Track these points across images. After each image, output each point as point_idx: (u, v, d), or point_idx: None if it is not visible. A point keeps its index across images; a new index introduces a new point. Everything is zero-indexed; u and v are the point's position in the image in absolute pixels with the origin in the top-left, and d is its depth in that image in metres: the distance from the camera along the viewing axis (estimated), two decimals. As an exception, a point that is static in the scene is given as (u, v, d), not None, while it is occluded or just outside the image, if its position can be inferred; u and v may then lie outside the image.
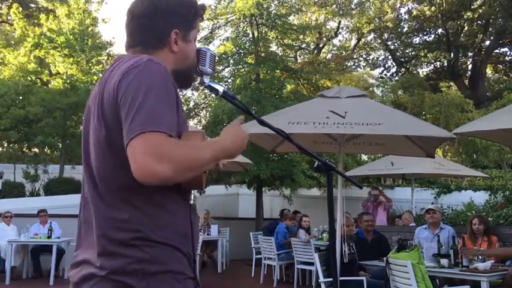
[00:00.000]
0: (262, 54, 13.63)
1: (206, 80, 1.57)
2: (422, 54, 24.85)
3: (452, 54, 23.53)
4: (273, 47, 15.66)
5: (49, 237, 8.49)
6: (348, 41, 25.96)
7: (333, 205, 1.74)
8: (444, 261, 5.02)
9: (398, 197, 10.89)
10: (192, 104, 15.62)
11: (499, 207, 8.73)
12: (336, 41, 25.53)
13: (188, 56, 1.56)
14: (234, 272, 9.97)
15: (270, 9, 14.37)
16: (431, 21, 23.38)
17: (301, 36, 15.86)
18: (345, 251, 5.54)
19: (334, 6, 23.19)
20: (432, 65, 25.78)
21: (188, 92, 15.61)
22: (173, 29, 1.51)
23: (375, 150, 7.78)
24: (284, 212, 10.44)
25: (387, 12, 23.68)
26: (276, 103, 11.82)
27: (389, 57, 25.73)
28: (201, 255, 9.55)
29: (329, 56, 24.19)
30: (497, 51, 24.11)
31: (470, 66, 24.62)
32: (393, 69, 26.00)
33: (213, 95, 1.48)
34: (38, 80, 16.94)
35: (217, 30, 15.25)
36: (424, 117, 15.32)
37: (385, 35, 24.90)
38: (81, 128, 1.54)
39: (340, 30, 24.97)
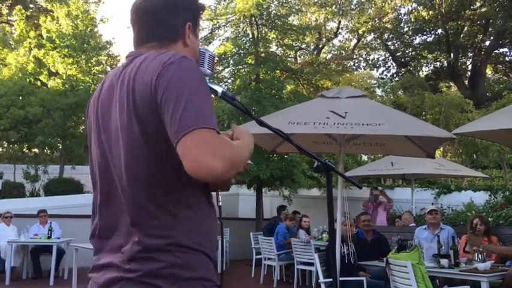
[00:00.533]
0: (262, 55, 13.63)
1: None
2: (423, 55, 24.86)
3: (452, 55, 23.53)
4: (273, 48, 15.67)
5: (49, 237, 8.48)
6: (347, 41, 25.99)
7: (332, 205, 1.74)
8: (444, 262, 5.02)
9: (398, 197, 10.89)
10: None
11: (499, 208, 8.74)
12: (335, 41, 25.58)
13: (196, 51, 1.56)
14: (234, 272, 9.97)
15: (270, 10, 14.37)
16: (431, 22, 23.39)
17: (301, 37, 15.86)
18: (343, 251, 5.55)
19: (334, 6, 23.19)
20: (432, 65, 25.79)
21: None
22: (187, 22, 1.52)
23: (375, 150, 7.79)
24: (282, 210, 10.43)
25: (387, 12, 23.69)
26: (276, 103, 11.82)
27: (390, 57, 25.74)
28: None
29: (329, 56, 24.19)
30: (497, 51, 24.10)
31: (470, 67, 24.61)
32: (393, 70, 26.03)
33: (212, 95, 1.47)
34: (38, 82, 16.96)
35: (217, 31, 15.27)
36: (424, 118, 15.33)
37: (385, 36, 24.91)
38: (92, 126, 1.48)
39: (340, 30, 25.01)
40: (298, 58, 21.70)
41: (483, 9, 21.78)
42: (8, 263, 8.16)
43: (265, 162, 11.29)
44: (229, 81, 14.30)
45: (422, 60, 25.44)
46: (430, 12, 22.79)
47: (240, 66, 13.95)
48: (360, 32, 23.90)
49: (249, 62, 13.70)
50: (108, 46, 17.34)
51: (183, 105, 1.23)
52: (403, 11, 24.36)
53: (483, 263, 4.82)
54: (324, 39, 24.15)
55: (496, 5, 21.55)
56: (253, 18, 13.50)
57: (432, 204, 9.04)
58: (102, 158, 1.42)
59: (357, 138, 6.06)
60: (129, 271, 1.29)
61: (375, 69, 25.83)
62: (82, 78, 15.12)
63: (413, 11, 23.79)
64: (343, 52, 24.27)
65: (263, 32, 14.06)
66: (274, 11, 14.65)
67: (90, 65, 15.61)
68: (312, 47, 23.00)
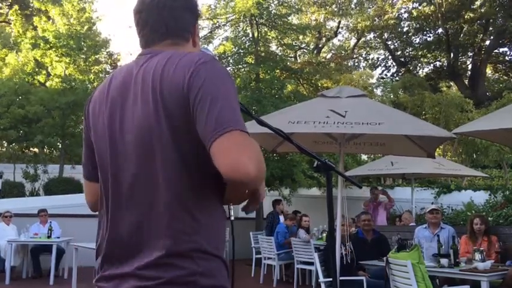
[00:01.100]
0: (262, 54, 13.64)
1: None
2: (422, 54, 24.86)
3: (452, 54, 23.53)
4: (273, 47, 15.67)
5: (49, 237, 8.48)
6: (347, 40, 25.97)
7: (332, 205, 1.73)
8: (444, 261, 5.02)
9: (399, 197, 10.89)
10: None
11: (499, 207, 8.74)
12: (335, 41, 25.56)
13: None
14: (234, 271, 9.96)
15: (270, 9, 14.37)
16: (431, 21, 23.39)
17: (301, 36, 15.87)
18: (341, 252, 5.55)
19: (333, 6, 23.18)
20: (432, 65, 25.78)
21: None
22: (195, 23, 1.54)
23: (375, 150, 7.78)
24: (277, 204, 10.42)
25: (387, 11, 23.67)
26: (276, 103, 11.82)
27: (390, 57, 25.73)
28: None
29: (329, 55, 24.18)
30: (497, 50, 24.09)
31: (470, 66, 24.62)
32: (393, 69, 26.02)
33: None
34: (37, 82, 16.95)
35: (217, 30, 15.24)
36: (424, 117, 15.32)
37: (385, 35, 24.90)
38: (97, 125, 1.44)
39: (339, 30, 24.98)
40: (298, 58, 21.68)
41: (483, 9, 21.77)
42: (8, 263, 8.16)
43: (265, 162, 11.27)
44: (229, 80, 14.28)
45: (422, 60, 25.44)
46: (431, 7, 22.77)
47: (240, 66, 13.94)
48: (359, 27, 23.78)
49: (249, 61, 13.69)
50: (107, 45, 17.32)
51: (219, 106, 1.23)
52: (403, 10, 24.39)
53: (483, 263, 4.82)
54: (324, 39, 24.14)
55: (496, 5, 21.55)
56: (253, 18, 13.49)
57: (432, 203, 9.04)
58: (115, 159, 1.37)
59: (357, 138, 6.06)
60: (147, 279, 1.25)
61: (375, 68, 25.87)
62: (80, 77, 15.10)
63: (413, 11, 23.77)
64: (343, 52, 24.28)
65: (263, 31, 14.07)
66: (274, 11, 14.65)
67: (88, 63, 15.60)
68: (312, 47, 22.98)
